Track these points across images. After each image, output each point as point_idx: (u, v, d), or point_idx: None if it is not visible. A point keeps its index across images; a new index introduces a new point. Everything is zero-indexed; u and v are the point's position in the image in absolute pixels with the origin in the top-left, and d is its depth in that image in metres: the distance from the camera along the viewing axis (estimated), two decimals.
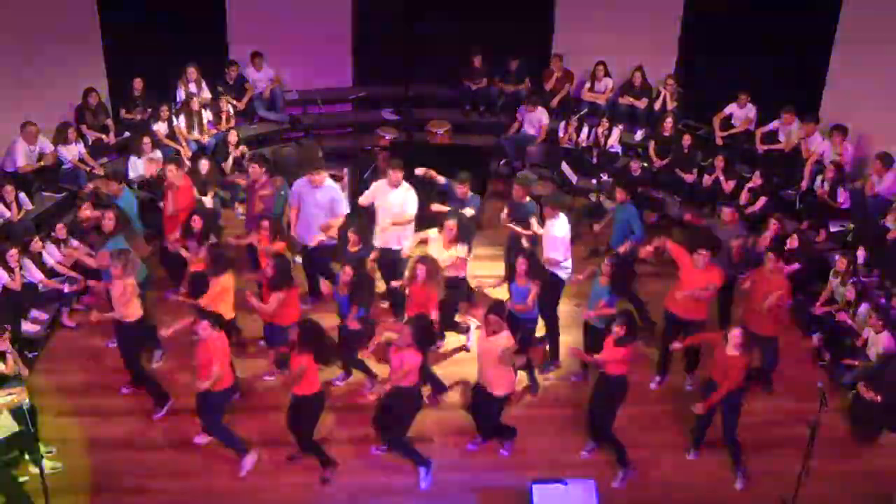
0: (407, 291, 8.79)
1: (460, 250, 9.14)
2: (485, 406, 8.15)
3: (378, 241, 9.63)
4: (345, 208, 9.79)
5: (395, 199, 9.69)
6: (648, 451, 8.47)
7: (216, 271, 8.49)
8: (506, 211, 9.82)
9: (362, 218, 9.72)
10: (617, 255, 8.97)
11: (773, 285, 8.61)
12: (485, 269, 10.40)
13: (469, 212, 9.64)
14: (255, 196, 9.90)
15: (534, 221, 9.49)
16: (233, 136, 11.76)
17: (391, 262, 9.68)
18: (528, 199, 9.74)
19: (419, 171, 9.97)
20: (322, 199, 9.66)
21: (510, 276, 8.90)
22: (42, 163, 11.01)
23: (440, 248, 9.06)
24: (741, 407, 8.11)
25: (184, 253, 9.20)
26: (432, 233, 9.30)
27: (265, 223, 9.07)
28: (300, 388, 7.72)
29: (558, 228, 9.16)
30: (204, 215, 9.31)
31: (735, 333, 7.78)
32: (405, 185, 9.74)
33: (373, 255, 9.31)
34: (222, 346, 7.83)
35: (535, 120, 12.80)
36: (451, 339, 9.69)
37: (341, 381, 9.12)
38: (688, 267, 8.71)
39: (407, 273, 8.89)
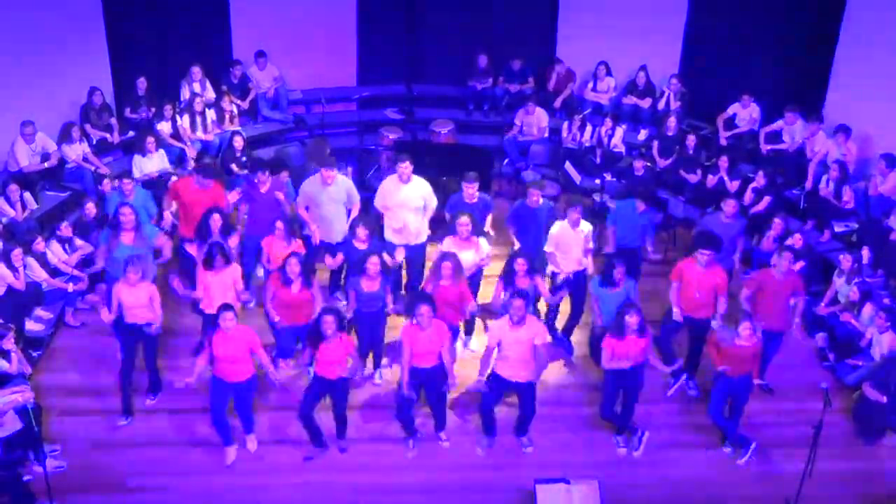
0: (432, 291, 8.50)
1: (484, 244, 9.15)
2: (524, 397, 8.22)
3: (399, 239, 9.60)
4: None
5: (413, 192, 9.59)
6: (647, 450, 8.48)
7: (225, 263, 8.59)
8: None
9: (369, 214, 9.71)
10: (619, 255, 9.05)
11: (788, 285, 8.66)
12: (489, 269, 10.38)
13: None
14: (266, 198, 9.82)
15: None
16: (238, 142, 11.75)
17: (418, 258, 9.67)
18: (541, 201, 9.69)
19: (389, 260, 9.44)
20: (337, 194, 9.67)
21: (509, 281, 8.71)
22: (46, 164, 11.02)
23: (457, 250, 8.96)
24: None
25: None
26: (446, 243, 9.12)
27: (280, 224, 9.04)
28: (335, 370, 7.86)
29: (586, 226, 9.30)
30: (223, 214, 9.26)
31: (746, 326, 7.98)
32: (417, 178, 9.67)
33: (400, 256, 9.21)
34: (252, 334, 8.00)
35: (535, 122, 12.79)
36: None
37: (380, 377, 9.14)
38: (691, 269, 8.72)
39: (429, 272, 8.77)
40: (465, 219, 8.98)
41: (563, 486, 7.54)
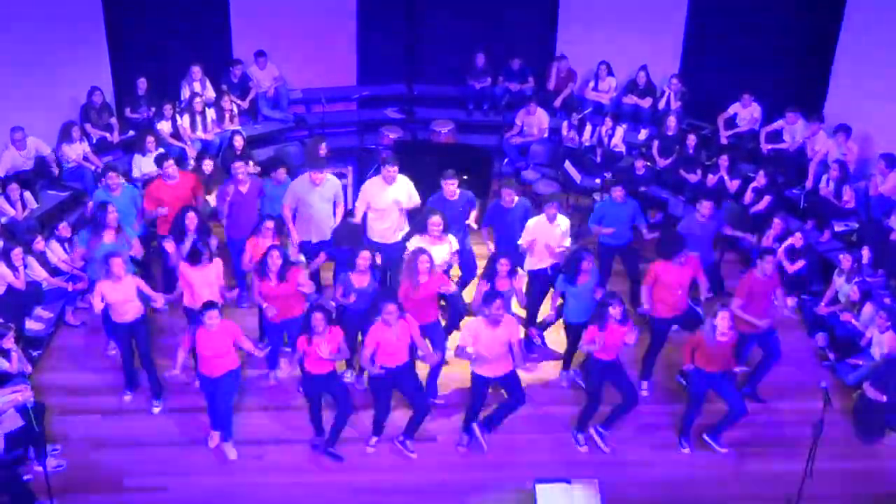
0: (415, 287, 8.48)
1: (453, 242, 9.11)
2: (511, 387, 8.26)
3: (381, 238, 9.59)
4: (344, 202, 9.89)
5: (398, 193, 9.60)
6: (647, 450, 8.48)
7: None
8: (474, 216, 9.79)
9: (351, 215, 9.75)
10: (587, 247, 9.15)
11: (770, 286, 8.68)
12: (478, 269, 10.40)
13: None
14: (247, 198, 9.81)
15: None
16: (238, 141, 11.73)
17: (397, 255, 9.63)
18: (516, 199, 9.62)
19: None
20: (327, 194, 9.69)
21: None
22: (27, 168, 10.98)
23: (428, 248, 8.97)
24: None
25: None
26: (414, 241, 9.13)
27: (269, 223, 9.01)
28: (326, 366, 7.91)
29: (563, 221, 9.31)
30: (198, 212, 9.23)
31: (723, 315, 7.88)
32: (402, 178, 9.66)
33: (379, 259, 9.15)
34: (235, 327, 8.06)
35: (535, 122, 12.79)
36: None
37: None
38: (666, 271, 8.73)
39: (404, 271, 8.70)
40: (436, 218, 8.95)
41: (564, 485, 7.54)
